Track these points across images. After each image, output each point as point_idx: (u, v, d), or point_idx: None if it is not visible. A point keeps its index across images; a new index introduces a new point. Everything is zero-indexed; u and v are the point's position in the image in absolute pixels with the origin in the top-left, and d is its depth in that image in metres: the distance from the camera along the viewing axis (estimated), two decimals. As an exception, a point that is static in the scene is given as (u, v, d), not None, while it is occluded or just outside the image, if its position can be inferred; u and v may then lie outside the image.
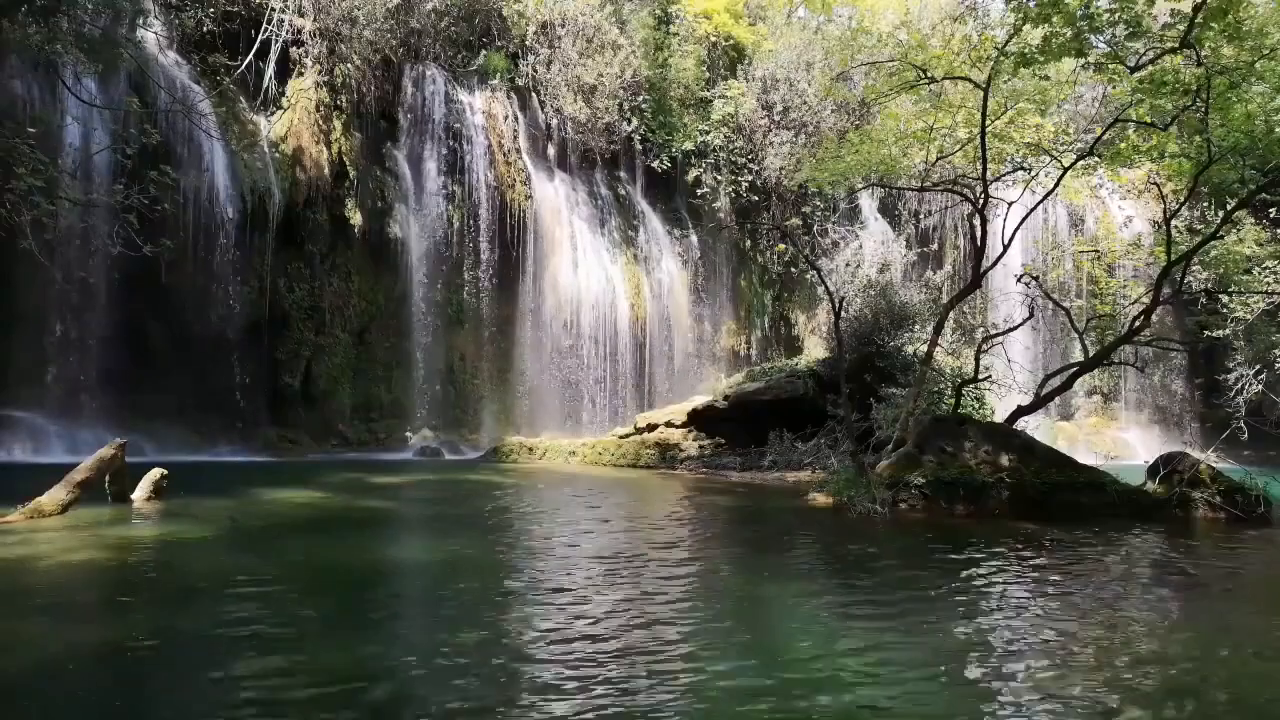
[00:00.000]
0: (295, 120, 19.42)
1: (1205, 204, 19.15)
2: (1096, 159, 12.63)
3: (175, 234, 14.75)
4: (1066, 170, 12.73)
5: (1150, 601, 5.77)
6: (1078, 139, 14.72)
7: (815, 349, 24.18)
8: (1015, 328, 13.89)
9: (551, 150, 24.07)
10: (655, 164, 25.09)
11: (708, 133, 25.38)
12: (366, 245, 20.37)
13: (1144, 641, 4.70)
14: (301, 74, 19.79)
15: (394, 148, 21.50)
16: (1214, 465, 10.62)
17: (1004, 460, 10.21)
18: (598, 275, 23.30)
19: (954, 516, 9.56)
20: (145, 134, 13.70)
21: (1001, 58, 11.10)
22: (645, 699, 3.55)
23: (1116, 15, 10.44)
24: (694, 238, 25.97)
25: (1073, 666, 4.16)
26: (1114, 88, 13.09)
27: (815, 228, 26.45)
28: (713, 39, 26.55)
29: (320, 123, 19.73)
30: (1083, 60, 11.37)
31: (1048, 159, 13.33)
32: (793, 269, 26.42)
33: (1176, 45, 10.17)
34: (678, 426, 17.86)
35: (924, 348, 14.21)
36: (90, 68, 14.17)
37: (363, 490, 11.48)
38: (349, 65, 20.19)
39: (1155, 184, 15.31)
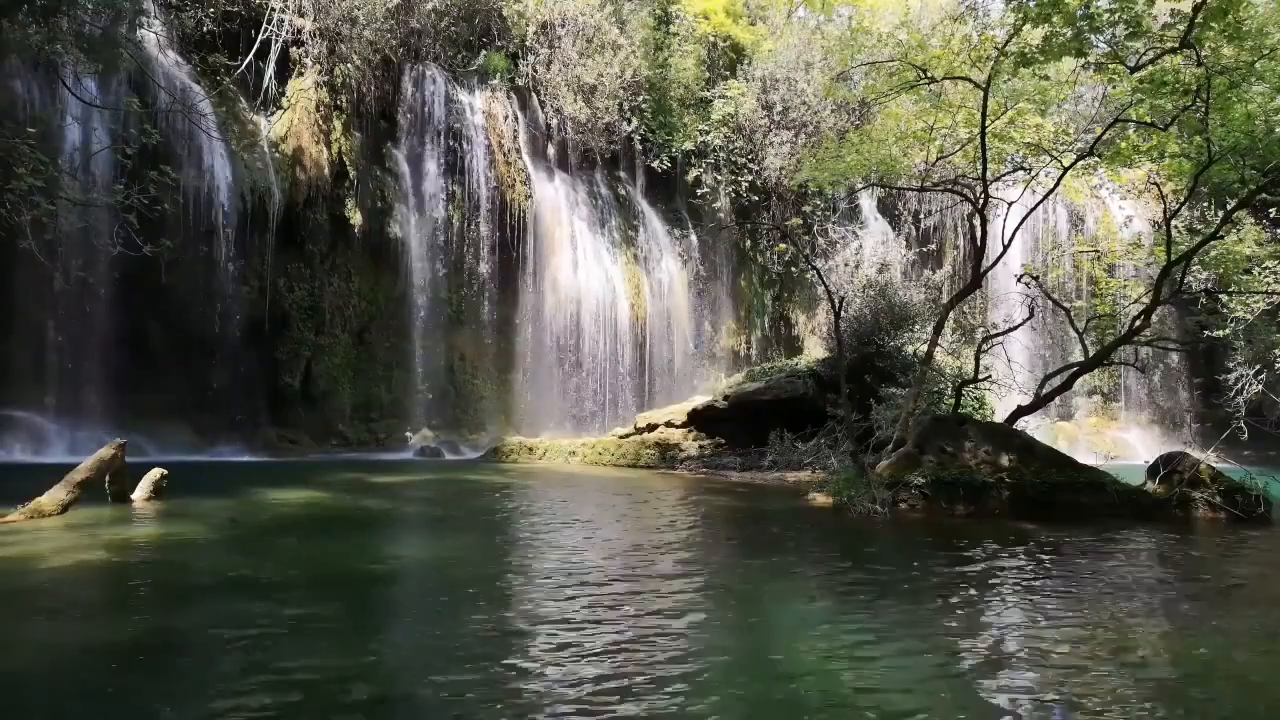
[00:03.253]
0: (295, 120, 19.42)
1: (1205, 204, 19.12)
2: (1096, 159, 12.62)
3: (175, 234, 14.74)
4: (1066, 170, 12.72)
5: (1151, 602, 5.77)
6: (1078, 139, 14.71)
7: (815, 349, 24.20)
8: (1015, 328, 13.88)
9: (551, 150, 24.08)
10: (655, 164, 25.11)
11: (708, 133, 25.39)
12: (366, 245, 20.39)
13: (1145, 642, 4.70)
14: (301, 74, 19.79)
15: (394, 148, 21.51)
16: (1214, 465, 10.61)
17: (1004, 460, 10.21)
18: (598, 275, 23.31)
19: (954, 516, 9.56)
20: (145, 134, 13.70)
21: (1001, 58, 11.10)
22: (644, 699, 3.55)
23: (1116, 15, 10.43)
24: (694, 238, 25.98)
25: (1072, 668, 4.16)
26: (1114, 88, 13.07)
27: (815, 228, 26.46)
28: (712, 39, 26.57)
29: (320, 123, 19.74)
30: (1083, 60, 11.37)
31: (1048, 159, 13.32)
32: (793, 269, 26.43)
33: (1176, 45, 10.16)
34: (678, 426, 17.86)
35: (924, 348, 14.21)
36: (90, 68, 14.17)
37: (363, 490, 11.48)
38: (349, 65, 20.19)
39: (1155, 184, 15.31)
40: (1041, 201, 13.91)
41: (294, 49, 19.67)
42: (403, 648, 4.37)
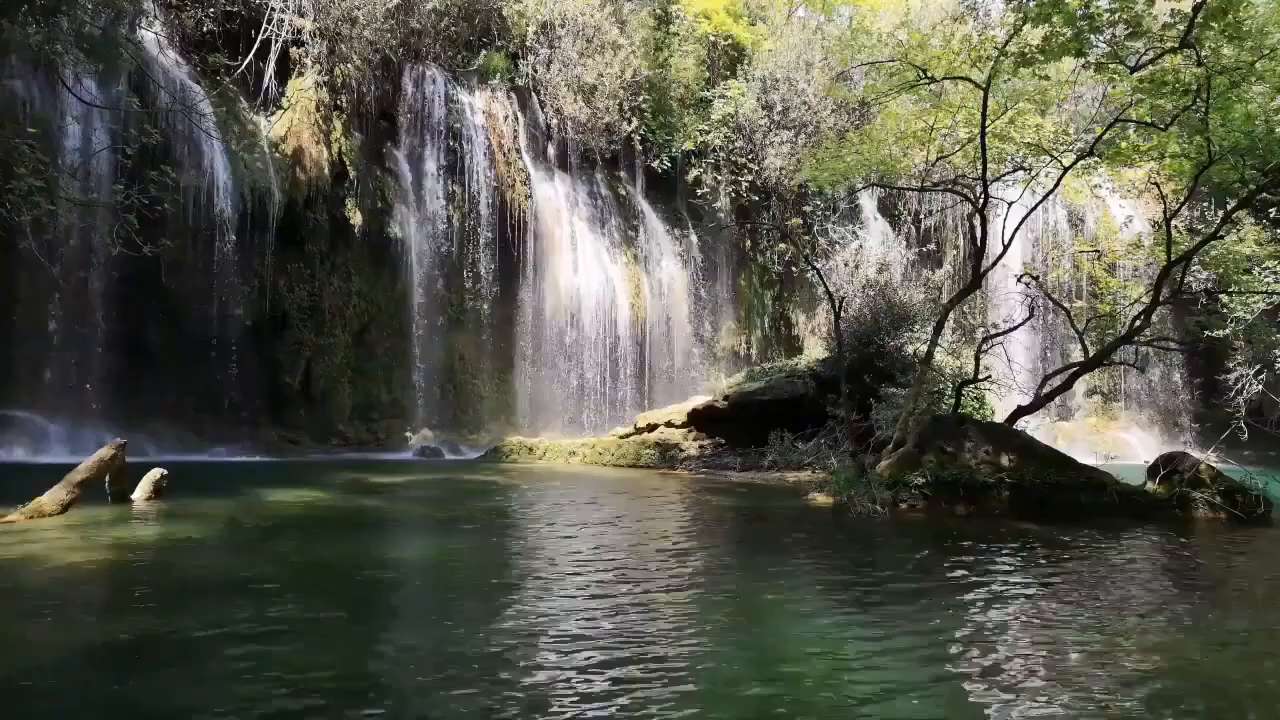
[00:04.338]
0: (295, 120, 19.42)
1: (1205, 204, 19.11)
2: (1096, 159, 12.61)
3: (175, 234, 14.74)
4: (1066, 170, 12.72)
5: (1151, 602, 5.76)
6: (1078, 139, 14.70)
7: (815, 349, 24.18)
8: (1015, 328, 13.88)
9: (551, 150, 24.08)
10: (655, 164, 25.10)
11: (708, 133, 25.38)
12: (366, 245, 20.38)
13: (1145, 642, 4.69)
14: (301, 74, 19.79)
15: (394, 148, 21.50)
16: (1214, 465, 10.61)
17: (1004, 460, 10.20)
18: (598, 275, 23.31)
19: (954, 516, 9.55)
20: (145, 134, 13.68)
21: (1001, 58, 11.09)
22: (643, 700, 3.55)
23: (1116, 15, 10.43)
24: (694, 238, 25.97)
25: (1072, 668, 4.16)
26: (1114, 88, 13.06)
27: (815, 228, 26.46)
28: (712, 39, 26.57)
29: (320, 123, 19.74)
30: (1083, 60, 11.36)
31: (1048, 159, 13.32)
32: (793, 269, 26.43)
33: (1176, 45, 10.15)
34: (678, 426, 17.86)
35: (924, 348, 14.20)
36: (90, 67, 14.17)
37: (363, 490, 11.48)
38: (349, 65, 20.19)
39: (1155, 184, 15.29)
40: (1041, 201, 13.90)
41: (294, 49, 19.67)
42: (403, 650, 4.36)
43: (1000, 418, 13.48)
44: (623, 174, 25.54)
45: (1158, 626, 5.06)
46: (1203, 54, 10.10)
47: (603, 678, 3.79)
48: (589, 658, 4.08)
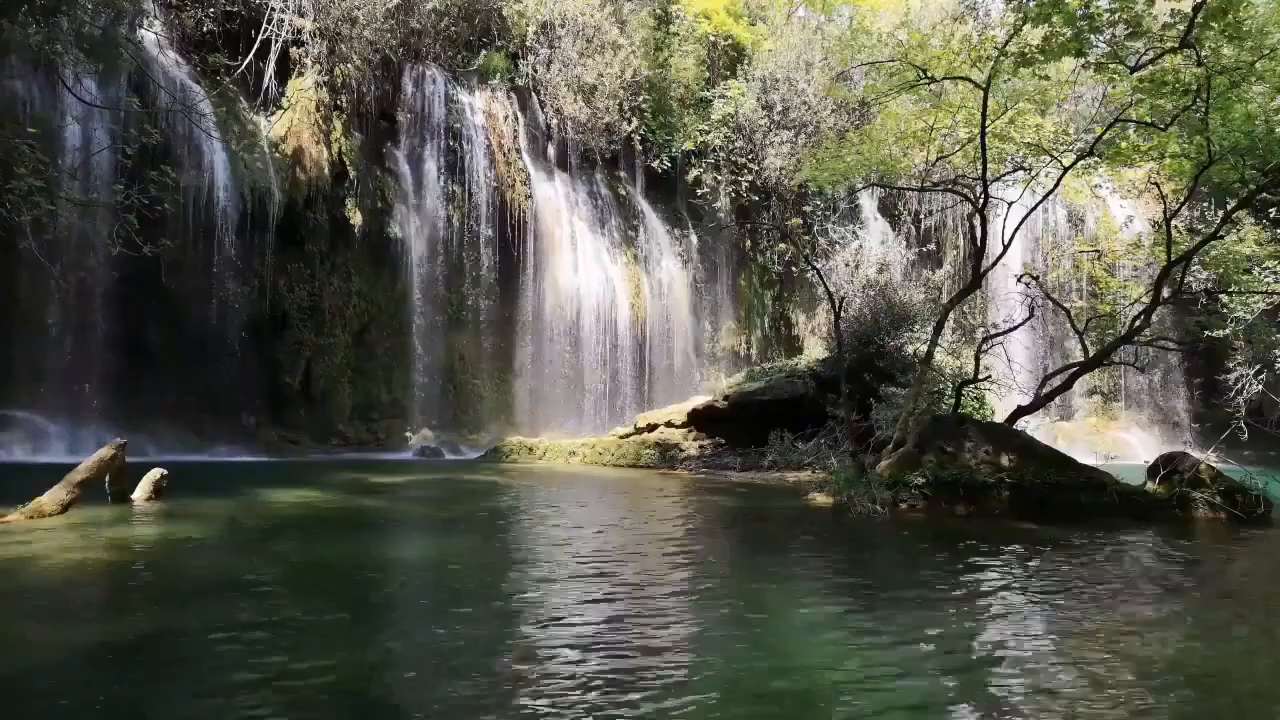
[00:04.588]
0: (295, 120, 19.43)
1: (1205, 204, 19.11)
2: (1096, 159, 12.61)
3: (175, 234, 14.75)
4: (1066, 170, 12.72)
5: (1151, 602, 5.76)
6: (1078, 139, 14.70)
7: (815, 349, 24.19)
8: (1015, 328, 13.87)
9: (551, 150, 24.09)
10: (655, 164, 25.11)
11: (708, 133, 25.39)
12: (366, 245, 20.39)
13: (1144, 642, 4.69)
14: (301, 74, 19.80)
15: (394, 148, 21.51)
16: (1214, 465, 10.61)
17: (1004, 460, 10.20)
18: (598, 275, 23.32)
19: (954, 517, 9.55)
20: (145, 134, 13.68)
21: (1001, 58, 11.09)
22: (643, 700, 3.55)
23: (1116, 15, 10.44)
24: (694, 238, 25.98)
25: (1071, 668, 4.16)
26: (1114, 88, 13.07)
27: (815, 228, 26.47)
28: (712, 39, 26.58)
29: (320, 123, 19.74)
30: (1083, 60, 11.36)
31: (1048, 159, 13.32)
32: (793, 269, 26.44)
33: (1176, 45, 10.15)
34: (678, 426, 17.86)
35: (924, 348, 14.20)
36: (90, 67, 14.17)
37: (363, 490, 11.48)
38: (349, 65, 20.20)
39: (1155, 184, 15.30)
40: (1041, 201, 13.90)
41: (294, 49, 19.68)
42: (402, 650, 4.36)
43: (1000, 418, 13.48)
44: (623, 174, 25.55)
45: (1159, 628, 5.06)
46: (1203, 54, 10.10)
47: (603, 679, 3.79)
48: (589, 658, 4.08)
